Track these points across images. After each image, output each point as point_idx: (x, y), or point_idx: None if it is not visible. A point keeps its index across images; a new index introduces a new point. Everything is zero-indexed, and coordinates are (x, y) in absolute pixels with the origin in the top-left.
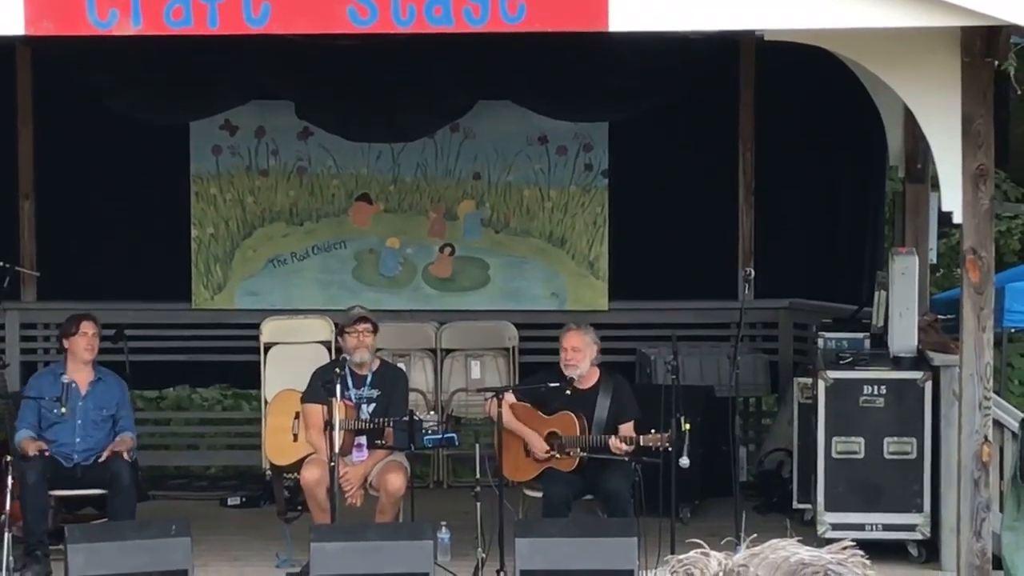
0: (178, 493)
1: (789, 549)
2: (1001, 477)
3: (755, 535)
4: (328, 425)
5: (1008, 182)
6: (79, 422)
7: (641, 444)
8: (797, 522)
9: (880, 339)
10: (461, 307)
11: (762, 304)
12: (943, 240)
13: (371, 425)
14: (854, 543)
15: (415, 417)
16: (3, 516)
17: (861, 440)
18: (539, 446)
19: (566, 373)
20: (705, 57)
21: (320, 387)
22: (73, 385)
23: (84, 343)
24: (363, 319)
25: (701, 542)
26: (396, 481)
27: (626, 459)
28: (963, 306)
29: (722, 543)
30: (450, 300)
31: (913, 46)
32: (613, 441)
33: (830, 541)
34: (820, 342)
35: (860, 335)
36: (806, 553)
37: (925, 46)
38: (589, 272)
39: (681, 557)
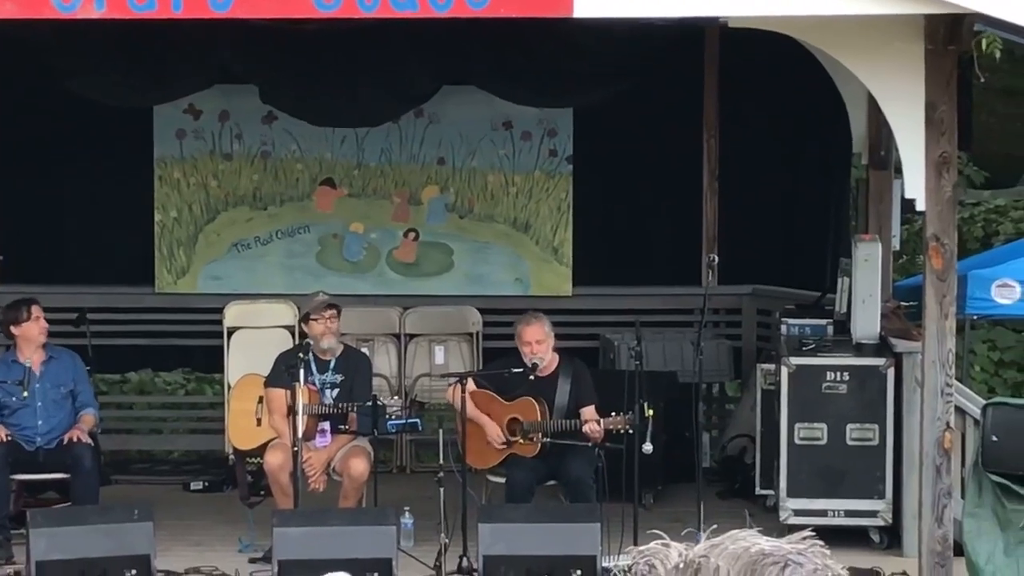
0: (141, 477)
1: (749, 539)
2: (963, 464)
3: (715, 526)
4: (291, 410)
5: (971, 166)
6: (39, 404)
7: (603, 427)
8: (760, 508)
9: (843, 326)
10: (425, 292)
11: (725, 290)
12: (906, 227)
13: (334, 410)
14: (814, 532)
15: (379, 402)
16: None
17: (823, 426)
18: (496, 435)
19: (537, 369)
20: (669, 44)
21: (284, 372)
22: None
23: (38, 328)
24: (331, 305)
25: (661, 533)
26: (359, 466)
27: (589, 444)
28: (926, 293)
29: (682, 534)
30: (414, 285)
31: (877, 33)
32: (589, 426)
33: (792, 527)
34: (783, 328)
35: (823, 321)
36: (766, 543)
37: (889, 33)
38: (553, 258)
39: (642, 548)
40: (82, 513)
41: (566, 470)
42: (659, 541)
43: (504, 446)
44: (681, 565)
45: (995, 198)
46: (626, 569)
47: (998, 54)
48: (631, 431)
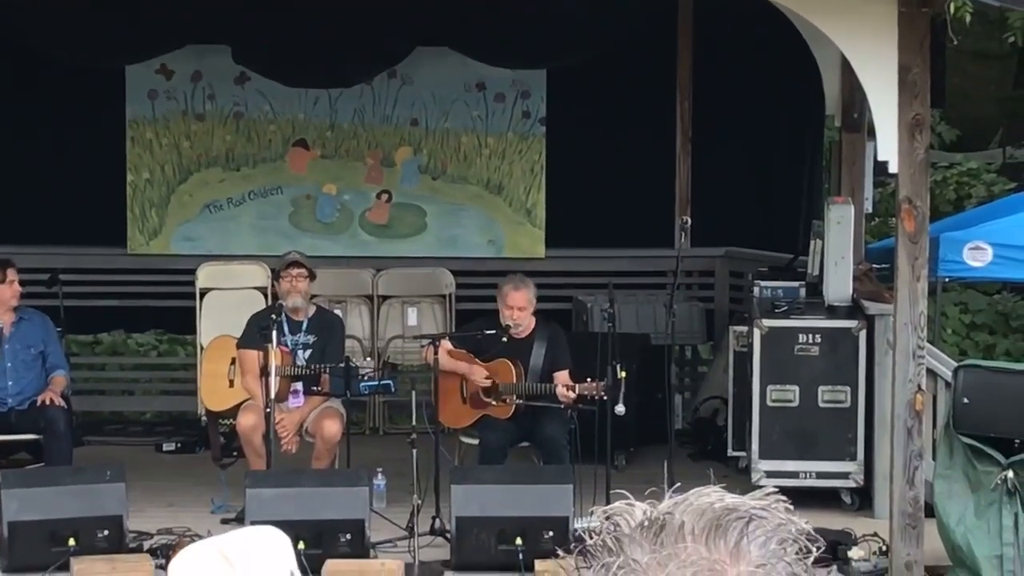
0: (113, 438)
1: (714, 496)
2: (934, 426)
3: (679, 484)
4: (264, 371)
5: (943, 123)
6: (8, 365)
7: (577, 392)
8: (732, 469)
9: (815, 288)
10: (398, 254)
11: (698, 252)
12: (879, 189)
13: (307, 371)
14: (777, 490)
15: (351, 364)
16: None
17: (796, 388)
18: (480, 375)
19: (512, 331)
20: (644, 6)
21: (256, 333)
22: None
23: (11, 292)
24: (296, 264)
25: (626, 492)
26: (332, 427)
27: (562, 406)
28: (898, 255)
29: (646, 493)
30: (387, 247)
31: None
32: (560, 390)
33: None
34: (756, 291)
35: (795, 284)
36: (731, 499)
37: None
38: (526, 219)
39: (605, 508)
40: (54, 474)
41: (540, 431)
42: (623, 501)
43: (488, 380)
44: (646, 523)
45: (967, 161)
46: (592, 530)
47: (968, 17)
48: (605, 397)
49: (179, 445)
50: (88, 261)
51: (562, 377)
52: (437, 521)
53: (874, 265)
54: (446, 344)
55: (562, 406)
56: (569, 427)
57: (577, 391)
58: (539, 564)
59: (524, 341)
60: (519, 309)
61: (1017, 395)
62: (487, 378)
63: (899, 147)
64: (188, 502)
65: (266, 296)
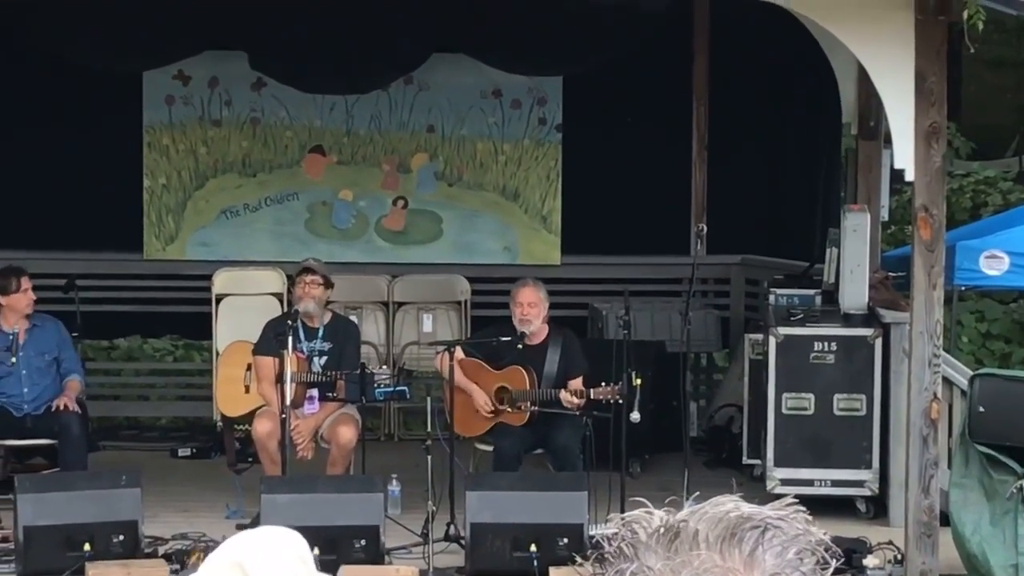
0: (128, 444)
1: (730, 505)
2: (950, 434)
3: (697, 492)
4: (280, 377)
5: (960, 137)
6: (24, 372)
7: (591, 398)
8: (747, 477)
9: (831, 296)
10: (413, 260)
11: (714, 260)
12: (895, 197)
13: (323, 378)
14: (796, 499)
15: (367, 370)
16: None
17: (811, 396)
18: (484, 403)
19: (520, 329)
20: (660, 11)
21: (272, 339)
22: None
23: (25, 300)
24: (309, 270)
25: (644, 500)
26: (347, 434)
27: (577, 413)
28: (914, 263)
29: (665, 502)
30: (403, 253)
31: (867, 3)
32: (564, 395)
33: (779, 496)
34: (772, 298)
35: (811, 292)
36: (747, 508)
37: (879, 3)
38: (542, 226)
39: (623, 515)
40: (69, 479)
41: (553, 439)
42: (641, 509)
43: (492, 414)
44: (661, 530)
45: (984, 169)
46: (610, 537)
47: (980, 25)
48: (620, 401)
49: (194, 450)
50: (104, 266)
51: (575, 383)
52: (452, 528)
53: (890, 273)
54: (457, 353)
55: (576, 413)
56: (583, 434)
57: (590, 396)
58: (553, 571)
59: (538, 348)
60: (528, 305)
61: None
62: (498, 392)
63: (915, 155)
64: (203, 508)
65: (282, 302)
